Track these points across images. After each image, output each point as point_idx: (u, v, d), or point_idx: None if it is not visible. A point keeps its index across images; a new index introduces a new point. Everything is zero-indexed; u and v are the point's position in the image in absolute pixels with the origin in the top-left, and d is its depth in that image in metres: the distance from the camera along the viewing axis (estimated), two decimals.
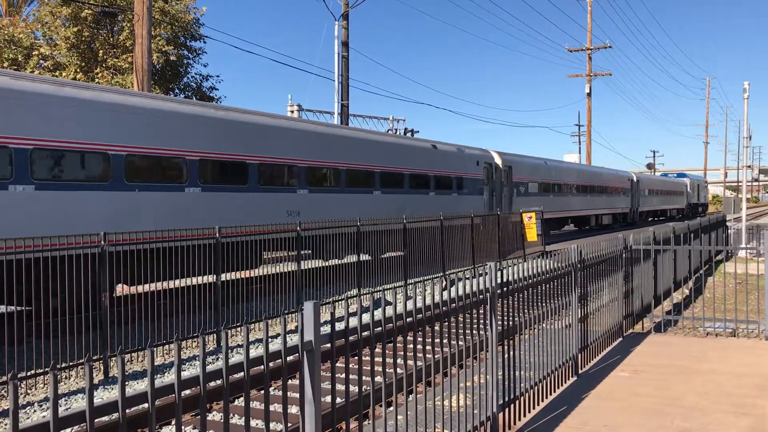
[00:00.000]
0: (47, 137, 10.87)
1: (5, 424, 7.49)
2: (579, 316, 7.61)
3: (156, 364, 4.92)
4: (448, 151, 23.02)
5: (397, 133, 35.37)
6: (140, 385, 8.98)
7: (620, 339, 9.46)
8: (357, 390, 6.56)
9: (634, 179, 44.78)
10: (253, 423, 6.98)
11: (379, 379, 8.10)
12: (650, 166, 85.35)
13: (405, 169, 20.31)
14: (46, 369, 8.61)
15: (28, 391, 8.43)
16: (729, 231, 23.82)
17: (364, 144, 18.65)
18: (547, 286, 6.74)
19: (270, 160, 15.08)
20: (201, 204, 13.40)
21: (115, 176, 11.81)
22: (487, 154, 25.95)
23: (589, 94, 48.98)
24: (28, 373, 8.43)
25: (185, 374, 3.02)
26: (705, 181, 69.56)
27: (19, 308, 8.93)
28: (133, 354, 9.79)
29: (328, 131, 17.73)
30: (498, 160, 26.54)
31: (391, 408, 6.51)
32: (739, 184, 70.57)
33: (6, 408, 7.92)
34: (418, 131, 36.29)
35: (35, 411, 7.90)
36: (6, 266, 8.43)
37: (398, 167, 19.96)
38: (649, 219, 49.52)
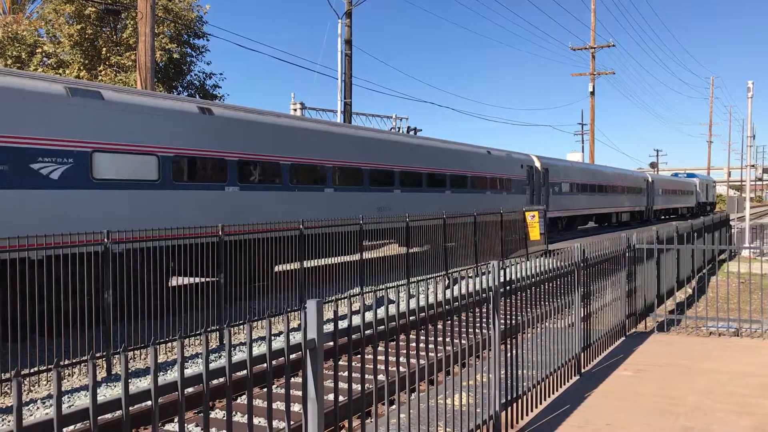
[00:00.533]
0: (248, 151, 14.72)
1: (9, 421, 7.51)
2: (582, 315, 7.60)
3: (158, 361, 4.91)
4: (499, 156, 26.58)
5: (400, 131, 35.38)
6: (143, 383, 8.99)
7: (623, 338, 9.45)
8: (359, 388, 6.56)
9: (650, 180, 47.49)
10: (255, 421, 6.99)
11: (381, 377, 8.11)
12: (653, 165, 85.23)
13: (468, 172, 23.81)
14: (50, 366, 8.63)
15: (32, 388, 8.44)
16: (732, 230, 23.78)
17: (440, 152, 22.44)
18: (550, 284, 6.73)
19: (375, 165, 19.33)
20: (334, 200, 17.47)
21: (283, 180, 15.65)
22: (528, 158, 29.29)
23: (592, 93, 48.91)
24: (32, 371, 8.45)
25: (188, 372, 3.03)
26: (713, 180, 71.09)
27: (21, 306, 8.95)
28: (135, 351, 9.80)
29: (413, 142, 21.93)
30: (537, 164, 29.69)
31: (394, 406, 6.51)
32: (743, 183, 71.56)
33: (10, 405, 7.94)
34: (420, 129, 36.31)
35: (38, 408, 7.92)
36: (10, 264, 8.44)
37: (463, 171, 23.59)
38: (662, 217, 51.29)
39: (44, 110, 10.77)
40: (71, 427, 6.21)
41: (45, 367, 8.61)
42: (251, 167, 14.73)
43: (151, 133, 12.54)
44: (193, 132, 13.35)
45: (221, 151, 13.93)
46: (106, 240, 9.29)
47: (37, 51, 27.27)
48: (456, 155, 23.21)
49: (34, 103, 10.63)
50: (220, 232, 10.94)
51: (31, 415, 7.66)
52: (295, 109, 32.85)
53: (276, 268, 12.94)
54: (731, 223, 24.73)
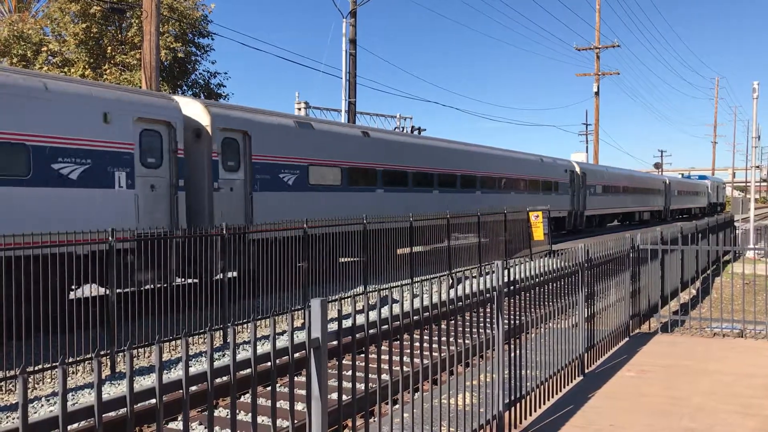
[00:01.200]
0: (389, 163, 19.63)
1: (14, 418, 7.54)
2: (586, 315, 7.60)
3: (162, 360, 4.90)
4: (549, 163, 31.88)
5: (404, 131, 35.37)
6: (146, 381, 9.01)
7: (627, 339, 9.44)
8: (363, 387, 6.57)
9: (667, 182, 52.18)
10: (259, 419, 7.00)
11: (385, 376, 8.10)
12: (657, 166, 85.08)
13: (526, 177, 29.29)
14: (54, 364, 8.66)
15: (36, 386, 8.47)
16: (737, 231, 23.71)
17: (511, 161, 28.03)
18: (554, 285, 6.73)
19: (464, 172, 23.89)
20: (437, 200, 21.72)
21: (408, 184, 20.41)
22: (570, 164, 34.48)
23: (596, 93, 48.84)
24: (36, 368, 8.47)
25: (191, 370, 3.04)
26: (723, 182, 75.38)
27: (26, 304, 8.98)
28: (138, 350, 9.82)
29: (491, 152, 26.70)
30: (577, 169, 34.53)
31: (397, 406, 6.51)
32: (748, 184, 72.85)
33: (14, 402, 7.97)
34: (425, 129, 36.28)
35: (42, 406, 7.94)
36: (14, 262, 8.47)
37: (523, 175, 29.00)
38: (678, 216, 54.87)
39: (286, 137, 15.84)
40: (76, 425, 6.23)
41: (49, 365, 8.63)
42: (390, 175, 19.61)
43: (337, 152, 17.47)
44: (358, 150, 18.35)
45: (373, 163, 18.91)
46: (110, 239, 9.31)
47: (42, 49, 27.33)
48: (516, 162, 28.65)
49: (281, 133, 15.70)
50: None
51: (35, 413, 7.69)
52: (299, 109, 32.86)
53: (401, 251, 16.17)
54: (736, 224, 24.66)
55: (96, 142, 11.44)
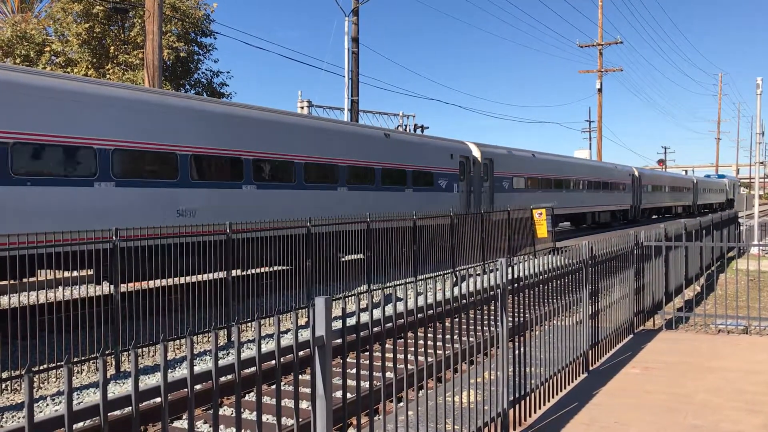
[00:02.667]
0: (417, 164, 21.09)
1: (19, 418, 7.56)
2: (590, 312, 7.59)
3: (167, 358, 4.88)
4: (619, 169, 39.87)
5: (407, 128, 35.34)
6: (151, 380, 9.03)
7: (631, 336, 9.43)
8: (368, 385, 6.57)
9: (695, 181, 59.52)
10: (264, 418, 7.01)
11: (389, 374, 8.11)
12: (661, 162, 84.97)
13: (607, 179, 37.05)
14: (59, 363, 8.68)
15: (41, 386, 8.49)
16: (741, 228, 23.66)
17: (595, 168, 36.39)
18: (558, 282, 6.72)
19: (565, 178, 32.23)
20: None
21: (408, 183, 20.82)
22: (631, 169, 42.34)
23: (599, 90, 48.73)
24: (41, 367, 8.49)
25: (196, 369, 3.04)
26: (738, 180, 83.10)
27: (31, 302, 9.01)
28: (143, 349, 9.84)
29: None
30: (636, 173, 42.61)
31: (402, 403, 6.51)
32: (752, 180, 74.79)
33: (19, 402, 7.99)
34: (428, 127, 36.24)
35: (48, 405, 7.96)
36: (19, 261, 8.49)
37: (604, 179, 36.92)
38: (702, 210, 61.16)
39: (508, 161, 25.72)
40: (81, 424, 6.24)
41: (54, 365, 8.65)
42: (416, 175, 20.80)
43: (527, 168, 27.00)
44: (531, 166, 26.34)
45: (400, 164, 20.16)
46: (114, 237, 9.33)
47: (45, 50, 27.38)
48: (601, 169, 37.47)
49: (506, 158, 26.15)
50: (309, 224, 12.93)
51: (40, 412, 7.71)
52: (302, 107, 32.84)
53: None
54: (740, 220, 24.60)
55: (449, 169, 22.45)
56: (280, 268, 12.74)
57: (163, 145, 12.76)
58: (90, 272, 10.59)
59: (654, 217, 49.27)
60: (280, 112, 16.38)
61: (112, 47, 27.78)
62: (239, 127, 14.48)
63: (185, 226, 11.20)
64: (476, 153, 24.60)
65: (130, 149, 12.20)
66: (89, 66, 26.96)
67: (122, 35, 28.64)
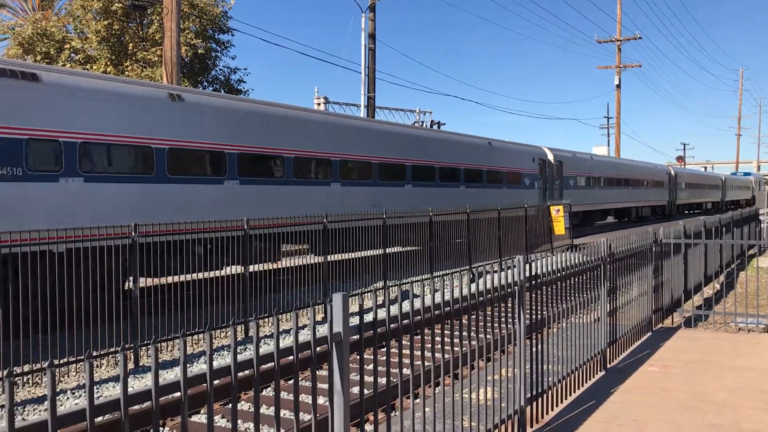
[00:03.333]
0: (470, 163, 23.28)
1: (41, 411, 7.66)
2: (608, 310, 7.54)
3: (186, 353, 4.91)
4: (658, 169, 45.65)
5: (424, 125, 35.28)
6: (169, 375, 9.11)
7: (649, 333, 9.36)
8: (384, 381, 6.58)
9: (723, 179, 64.34)
10: (281, 413, 7.05)
11: (406, 371, 8.12)
12: (680, 159, 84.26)
13: (650, 178, 42.55)
14: (80, 357, 8.78)
15: (61, 379, 8.59)
16: (762, 225, 23.38)
17: (641, 168, 41.73)
18: (576, 279, 6.69)
19: (626, 176, 38.76)
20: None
21: (503, 182, 25.37)
22: (668, 168, 47.85)
23: (618, 86, 48.36)
24: (62, 361, 8.59)
25: (214, 364, 3.06)
26: (764, 178, 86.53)
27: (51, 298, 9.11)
28: (161, 343, 9.93)
29: (601, 159, 36.94)
30: (672, 172, 47.51)
31: (419, 400, 6.52)
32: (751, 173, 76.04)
33: (40, 395, 8.09)
34: (444, 123, 36.22)
35: (68, 399, 8.06)
36: (40, 257, 8.59)
37: (648, 177, 42.17)
38: (729, 206, 64.70)
39: (575, 163, 31.14)
40: (101, 417, 6.31)
41: (74, 359, 8.75)
42: (510, 175, 25.52)
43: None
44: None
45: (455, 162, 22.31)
46: (133, 233, 9.41)
47: (65, 47, 27.64)
48: (645, 169, 42.78)
49: (574, 161, 31.47)
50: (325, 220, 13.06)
51: (61, 405, 7.80)
52: (319, 104, 32.89)
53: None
54: (761, 217, 24.31)
55: (531, 170, 27.16)
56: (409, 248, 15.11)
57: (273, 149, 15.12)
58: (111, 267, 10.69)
59: (686, 212, 52.56)
60: (430, 131, 24.44)
61: (131, 44, 28.00)
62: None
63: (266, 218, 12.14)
64: (550, 156, 29.49)
65: (249, 153, 14.31)
66: (108, 63, 27.18)
67: (141, 32, 28.85)
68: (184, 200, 12.89)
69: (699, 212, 54.64)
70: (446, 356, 7.82)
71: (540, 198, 27.44)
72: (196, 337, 10.49)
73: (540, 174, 28.05)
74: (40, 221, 10.06)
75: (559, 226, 21.74)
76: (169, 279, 10.56)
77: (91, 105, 11.39)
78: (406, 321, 4.22)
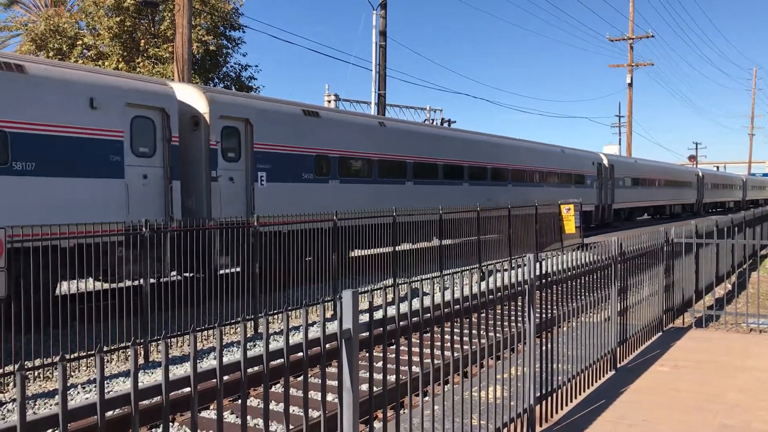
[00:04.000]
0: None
1: (52, 405, 7.71)
2: (618, 309, 7.51)
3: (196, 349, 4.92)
4: (685, 170, 50.73)
5: (434, 123, 35.25)
6: (179, 370, 9.14)
7: (660, 333, 9.31)
8: (393, 379, 6.58)
9: (744, 180, 68.22)
10: (290, 409, 7.06)
11: (415, 368, 8.12)
12: (692, 158, 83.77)
13: (678, 179, 46.82)
14: (90, 352, 8.83)
15: (72, 374, 8.64)
16: None
17: (668, 170, 46.13)
18: (586, 278, 6.66)
19: (669, 178, 44.41)
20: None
21: (572, 182, 30.73)
22: (696, 169, 52.29)
23: (630, 85, 48.11)
24: (72, 356, 8.64)
25: (224, 360, 3.07)
26: None
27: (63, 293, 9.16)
28: (171, 339, 9.97)
29: (643, 162, 41.12)
30: (700, 173, 51.81)
31: (428, 398, 6.52)
32: None
33: (50, 389, 8.15)
34: (455, 121, 36.17)
35: (78, 393, 8.10)
36: (51, 251, 8.64)
37: (676, 178, 46.28)
38: (750, 205, 66.39)
39: (560, 156, 30.43)
40: (111, 412, 6.33)
41: (85, 353, 8.80)
42: (576, 177, 31.03)
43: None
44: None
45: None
46: (144, 229, 9.44)
47: (77, 43, 27.78)
48: (678, 172, 48.46)
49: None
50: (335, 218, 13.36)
51: (71, 400, 7.85)
52: (329, 101, 32.89)
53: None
54: None
55: (591, 172, 32.93)
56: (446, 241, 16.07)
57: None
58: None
59: (711, 210, 56.66)
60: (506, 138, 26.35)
61: (143, 41, 28.09)
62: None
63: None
64: (605, 160, 34.37)
65: (347, 156, 16.99)
66: (120, 59, 27.29)
67: (152, 29, 28.94)
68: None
69: (722, 210, 58.57)
70: (455, 354, 7.81)
71: (597, 195, 32.92)
72: (206, 333, 10.52)
73: (597, 175, 33.07)
74: None
75: (570, 225, 21.65)
76: (178, 276, 10.59)
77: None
78: (415, 319, 4.22)
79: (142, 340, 9.37)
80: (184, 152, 12.97)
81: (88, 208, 10.87)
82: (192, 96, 13.43)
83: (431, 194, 19.78)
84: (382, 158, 18.14)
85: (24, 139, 10.22)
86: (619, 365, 7.60)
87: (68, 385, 8.23)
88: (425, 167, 20.07)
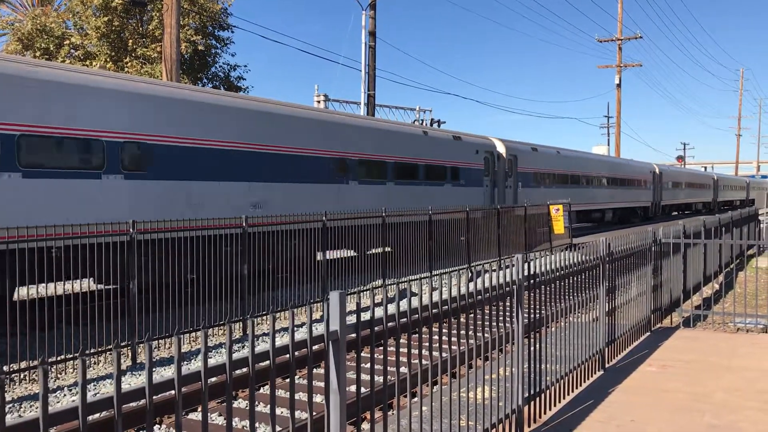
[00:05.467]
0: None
1: (35, 408, 7.63)
2: (606, 309, 7.52)
3: (181, 351, 4.88)
4: (703, 173, 50.78)
5: (424, 123, 35.25)
6: (166, 372, 9.08)
7: (648, 333, 9.34)
8: (381, 380, 6.55)
9: (715, 178, 66.82)
10: (277, 411, 7.02)
11: (403, 369, 8.08)
12: (680, 159, 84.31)
13: (704, 182, 54.89)
14: (76, 354, 8.75)
15: (58, 376, 8.57)
16: (761, 225, 23.36)
17: (693, 174, 53.98)
18: (575, 278, 6.67)
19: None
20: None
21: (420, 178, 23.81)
22: (651, 165, 43.92)
23: (618, 85, 48.34)
24: (59, 358, 8.57)
25: (210, 362, 3.04)
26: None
27: (49, 295, 9.09)
28: (159, 341, 9.90)
29: (579, 156, 33.54)
30: (657, 170, 44.66)
31: (416, 399, 6.50)
32: None
33: (36, 392, 8.07)
34: (444, 122, 36.18)
35: (65, 395, 8.03)
36: (37, 253, 8.56)
37: (701, 182, 53.15)
38: (722, 208, 69.48)
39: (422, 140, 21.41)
40: (96, 415, 6.28)
41: (71, 355, 8.72)
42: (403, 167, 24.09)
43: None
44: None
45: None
46: (131, 230, 9.38)
47: (64, 43, 27.60)
48: (698, 176, 54.47)
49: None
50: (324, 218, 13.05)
51: (57, 402, 7.78)
52: (319, 101, 32.83)
53: None
54: (760, 218, 24.29)
55: (474, 164, 22.93)
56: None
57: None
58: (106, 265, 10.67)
59: (673, 214, 52.76)
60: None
61: (131, 40, 27.95)
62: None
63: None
64: (501, 149, 24.71)
65: (365, 159, 17.48)
66: (107, 59, 27.14)
67: (140, 29, 28.80)
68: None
69: (688, 214, 52.07)
70: (444, 355, 7.79)
71: (487, 199, 23.36)
72: (193, 334, 10.47)
73: (486, 170, 23.60)
74: None
75: (559, 225, 21.71)
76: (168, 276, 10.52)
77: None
78: (403, 319, 4.20)
79: (128, 343, 9.30)
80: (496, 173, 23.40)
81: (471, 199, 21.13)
82: (497, 144, 24.40)
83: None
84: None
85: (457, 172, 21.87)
86: (607, 365, 7.61)
87: (55, 387, 8.15)
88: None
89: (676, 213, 51.77)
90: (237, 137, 13.94)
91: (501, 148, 24.76)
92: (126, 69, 26.42)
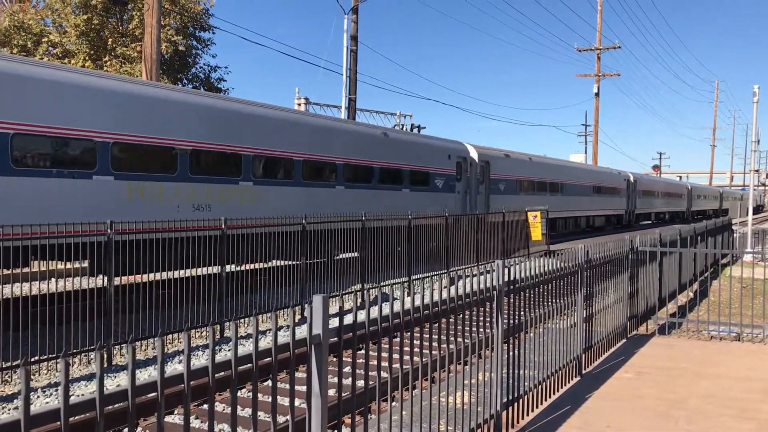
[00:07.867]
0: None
1: (10, 410, 7.52)
2: (584, 316, 7.60)
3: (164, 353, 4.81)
4: (604, 173, 40.03)
5: (404, 128, 35.33)
6: (143, 375, 9.00)
7: (624, 340, 9.45)
8: (361, 384, 6.55)
9: (689, 188, 69.65)
10: (258, 415, 6.99)
11: (384, 374, 8.08)
12: (656, 168, 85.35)
13: (681, 192, 59.64)
14: (52, 355, 8.64)
15: (32, 377, 8.45)
16: (735, 235, 23.73)
17: (701, 189, 63.35)
18: (554, 285, 6.73)
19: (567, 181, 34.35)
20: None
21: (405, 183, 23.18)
22: (625, 174, 43.98)
23: (597, 94, 48.83)
24: (34, 359, 8.45)
25: (191, 364, 3.03)
26: (763, 192, 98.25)
27: (24, 294, 8.96)
28: (136, 343, 9.81)
29: (553, 164, 33.40)
30: (632, 178, 44.98)
31: (396, 403, 6.51)
32: (746, 187, 77.86)
33: (8, 394, 7.95)
34: (424, 127, 36.26)
35: (38, 397, 7.92)
36: (13, 252, 8.45)
37: (591, 182, 38.27)
38: (696, 218, 70.59)
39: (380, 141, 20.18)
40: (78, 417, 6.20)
41: (47, 356, 8.61)
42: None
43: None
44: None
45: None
46: (109, 231, 9.29)
47: (43, 40, 27.28)
48: (681, 186, 59.02)
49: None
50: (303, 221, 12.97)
51: (31, 404, 7.66)
52: (299, 104, 32.78)
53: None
54: (734, 227, 24.67)
55: (446, 170, 22.78)
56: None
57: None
58: (84, 264, 10.54)
59: (647, 222, 52.31)
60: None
61: (110, 39, 27.70)
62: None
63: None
64: (473, 154, 24.53)
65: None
66: (87, 58, 26.87)
67: (120, 27, 28.55)
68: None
69: (661, 223, 52.27)
70: (424, 360, 7.81)
71: (458, 205, 22.96)
72: (171, 336, 10.38)
73: (459, 175, 23.29)
74: None
75: (536, 232, 21.87)
76: (145, 277, 10.44)
77: None
78: (385, 324, 4.21)
79: (106, 344, 9.20)
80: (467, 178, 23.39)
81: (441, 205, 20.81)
82: (470, 149, 24.48)
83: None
84: None
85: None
86: (584, 371, 7.69)
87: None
88: None
89: (648, 222, 51.29)
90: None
91: (474, 154, 24.55)
92: (105, 68, 26.17)
